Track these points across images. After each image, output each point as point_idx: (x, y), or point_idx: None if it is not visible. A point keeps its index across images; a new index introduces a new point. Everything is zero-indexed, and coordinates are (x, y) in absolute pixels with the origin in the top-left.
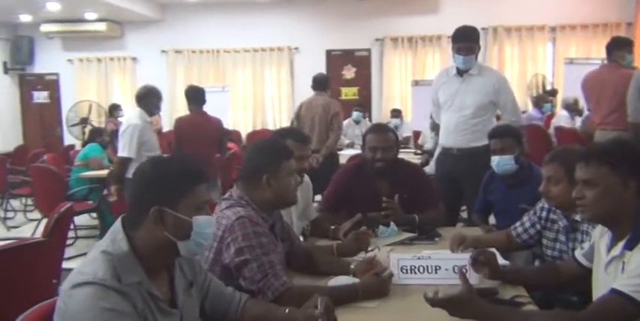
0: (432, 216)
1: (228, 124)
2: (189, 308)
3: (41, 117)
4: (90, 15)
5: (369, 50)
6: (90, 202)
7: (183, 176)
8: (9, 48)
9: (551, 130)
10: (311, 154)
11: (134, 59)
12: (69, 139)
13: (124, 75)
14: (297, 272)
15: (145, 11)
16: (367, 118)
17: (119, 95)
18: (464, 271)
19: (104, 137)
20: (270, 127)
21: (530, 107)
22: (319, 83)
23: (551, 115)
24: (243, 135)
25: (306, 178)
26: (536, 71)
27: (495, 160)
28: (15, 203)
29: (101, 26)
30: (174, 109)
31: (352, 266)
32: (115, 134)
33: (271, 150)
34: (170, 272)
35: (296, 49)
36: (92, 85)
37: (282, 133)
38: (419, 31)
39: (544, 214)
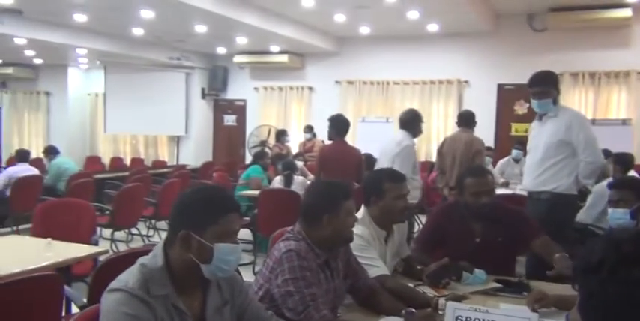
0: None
1: None
2: None
3: (229, 138)
4: (274, 48)
5: None
6: (247, 218)
7: (213, 205)
8: (207, 76)
9: None
10: (409, 192)
11: (311, 88)
12: (250, 159)
13: (300, 103)
14: (359, 307)
15: (324, 45)
16: None
17: (295, 121)
18: None
19: (266, 160)
20: (434, 159)
21: None
22: (465, 120)
23: None
24: None
25: None
26: None
27: (610, 213)
28: None
29: (284, 58)
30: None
31: (403, 311)
32: (277, 158)
33: (332, 191)
34: (205, 290)
35: (466, 82)
36: (272, 112)
37: (379, 173)
38: (604, 67)
39: None
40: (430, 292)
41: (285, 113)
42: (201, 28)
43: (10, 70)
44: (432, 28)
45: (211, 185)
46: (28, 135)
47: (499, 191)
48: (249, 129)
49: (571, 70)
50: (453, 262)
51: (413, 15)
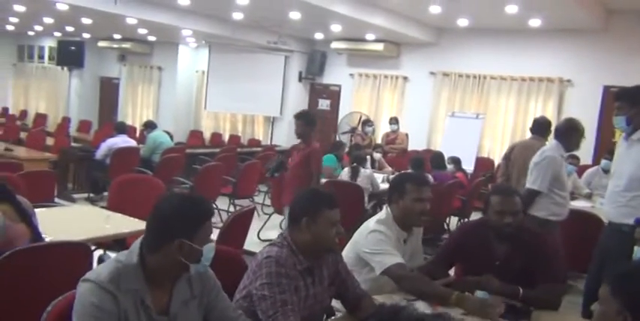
0: (542, 294)
1: (478, 152)
2: (184, 318)
3: (322, 122)
4: (369, 36)
5: None
6: None
7: (201, 214)
8: (305, 60)
9: None
10: (430, 197)
11: (405, 78)
12: None
13: (393, 92)
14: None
15: (421, 35)
16: None
17: (387, 110)
18: None
19: (341, 151)
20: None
21: None
22: (540, 127)
23: None
24: (496, 164)
25: None
26: None
27: (636, 252)
28: None
29: (379, 46)
30: (433, 129)
31: None
32: (353, 148)
33: (315, 196)
34: (174, 284)
35: (568, 81)
36: (365, 99)
37: (402, 176)
38: None
39: None
40: (427, 308)
41: (378, 102)
42: (295, 15)
43: (128, 45)
44: (535, 22)
45: (187, 194)
46: (140, 106)
47: (579, 203)
48: (341, 114)
49: None
50: (460, 280)
51: (511, 9)
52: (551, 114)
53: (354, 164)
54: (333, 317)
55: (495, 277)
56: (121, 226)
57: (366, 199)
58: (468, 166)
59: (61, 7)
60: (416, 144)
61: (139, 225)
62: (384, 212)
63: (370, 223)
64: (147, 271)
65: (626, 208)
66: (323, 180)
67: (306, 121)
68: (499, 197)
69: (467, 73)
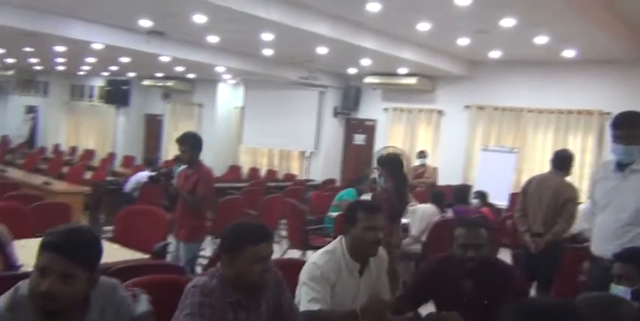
0: None
1: (514, 187)
2: None
3: (357, 156)
4: (402, 70)
5: None
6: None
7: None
8: (340, 95)
9: None
10: (382, 226)
11: (440, 112)
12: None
13: (428, 126)
14: None
15: (453, 68)
16: None
17: (422, 144)
18: None
19: (362, 185)
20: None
21: None
22: (561, 161)
23: None
24: None
25: (380, 249)
26: None
27: (611, 288)
28: None
29: (412, 80)
30: (469, 163)
31: None
32: (374, 182)
33: (239, 232)
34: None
35: (608, 114)
36: (400, 133)
37: (354, 204)
38: None
39: None
40: None
41: (412, 136)
42: (322, 50)
43: (171, 83)
44: (569, 53)
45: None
46: None
47: None
48: (376, 149)
49: None
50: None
51: (541, 40)
52: (591, 148)
53: None
54: None
55: (463, 314)
56: (110, 255)
57: None
58: (502, 201)
59: (97, 47)
60: (452, 178)
61: (128, 255)
62: (335, 242)
63: (317, 253)
64: None
65: (630, 244)
66: (335, 214)
67: (191, 145)
68: (463, 230)
69: (502, 107)
